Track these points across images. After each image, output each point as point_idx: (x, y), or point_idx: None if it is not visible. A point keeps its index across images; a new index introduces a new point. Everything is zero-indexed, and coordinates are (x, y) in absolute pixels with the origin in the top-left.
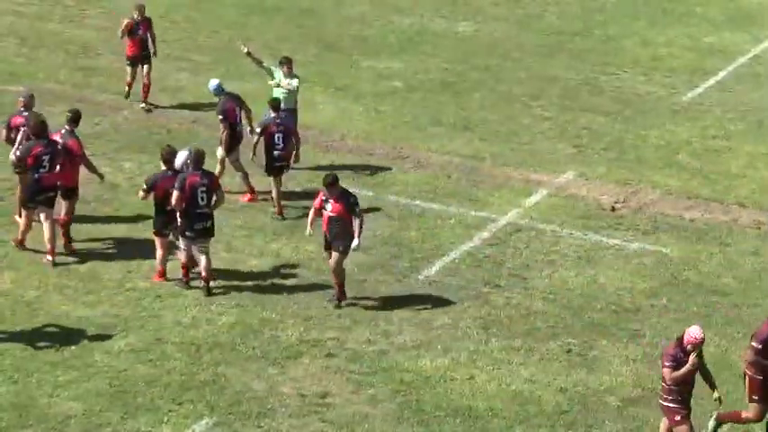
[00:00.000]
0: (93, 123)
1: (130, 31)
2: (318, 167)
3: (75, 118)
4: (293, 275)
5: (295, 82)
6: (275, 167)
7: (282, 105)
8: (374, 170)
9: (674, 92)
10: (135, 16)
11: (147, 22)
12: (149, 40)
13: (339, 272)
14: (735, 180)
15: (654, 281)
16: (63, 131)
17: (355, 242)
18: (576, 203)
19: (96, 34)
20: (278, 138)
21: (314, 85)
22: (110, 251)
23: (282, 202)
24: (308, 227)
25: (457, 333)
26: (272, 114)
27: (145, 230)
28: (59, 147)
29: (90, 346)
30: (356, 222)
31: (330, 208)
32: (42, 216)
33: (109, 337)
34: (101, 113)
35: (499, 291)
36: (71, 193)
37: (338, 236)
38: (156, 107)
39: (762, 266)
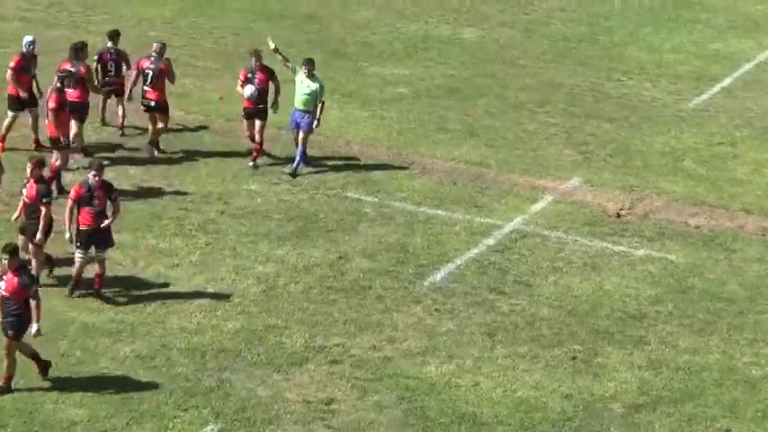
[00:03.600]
0: (98, 131)
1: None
2: (325, 173)
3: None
4: (298, 282)
5: (315, 85)
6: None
7: (302, 107)
8: (380, 176)
9: (679, 98)
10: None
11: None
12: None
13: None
14: (740, 187)
15: (659, 288)
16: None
17: (33, 328)
18: (581, 210)
19: (102, 40)
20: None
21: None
22: (115, 257)
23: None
24: None
25: (462, 339)
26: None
27: (149, 237)
28: None
29: (95, 353)
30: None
31: (3, 286)
32: None
33: (114, 343)
34: (105, 121)
35: (504, 297)
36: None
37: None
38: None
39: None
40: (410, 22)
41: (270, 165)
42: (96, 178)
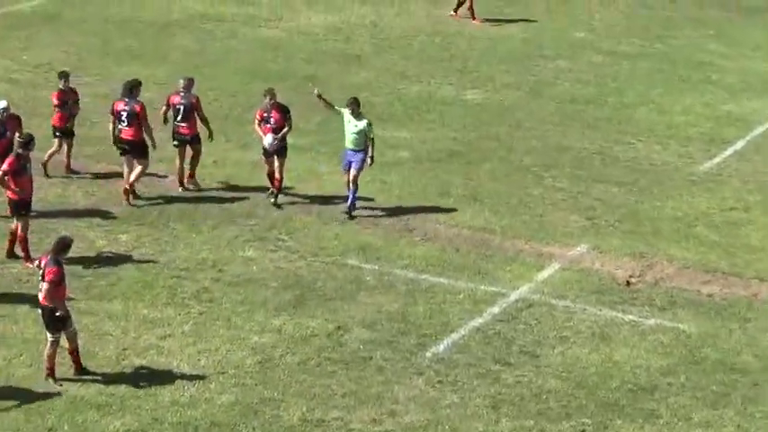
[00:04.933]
0: (89, 194)
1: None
2: (323, 239)
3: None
4: (295, 353)
5: (362, 124)
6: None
7: (353, 146)
8: (380, 243)
9: (690, 161)
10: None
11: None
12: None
13: None
14: (755, 253)
15: (671, 358)
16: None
17: None
18: (589, 278)
19: (91, 101)
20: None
21: (318, 154)
22: (105, 327)
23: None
24: None
25: (466, 413)
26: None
27: (140, 306)
28: None
29: (84, 427)
30: None
31: None
32: None
33: (104, 416)
34: (96, 184)
35: (510, 369)
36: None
37: None
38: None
39: None
40: (411, 84)
41: (266, 230)
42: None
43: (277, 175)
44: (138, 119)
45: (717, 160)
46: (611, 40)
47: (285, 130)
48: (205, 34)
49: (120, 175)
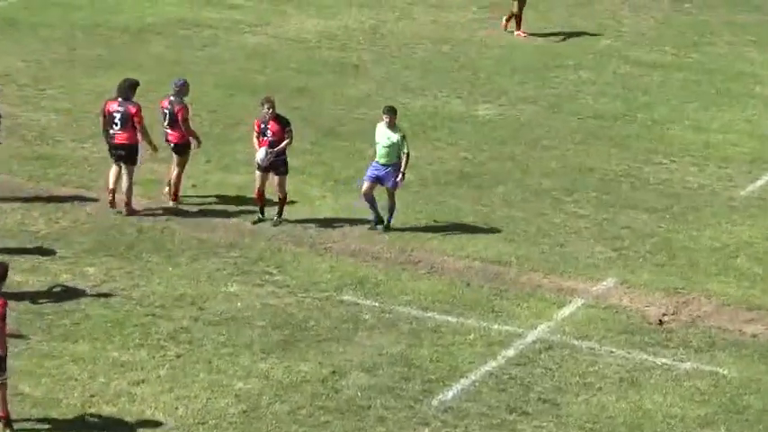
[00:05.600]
0: (52, 221)
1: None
2: (316, 273)
3: None
4: (285, 401)
5: (396, 137)
6: None
7: (383, 160)
8: (380, 276)
9: (730, 185)
10: None
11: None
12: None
13: None
14: None
15: (709, 407)
16: None
17: None
18: (617, 316)
19: (56, 118)
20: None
21: (310, 176)
22: (70, 371)
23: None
24: None
25: None
26: None
27: (109, 348)
28: None
29: None
30: None
31: None
32: None
33: None
34: (61, 210)
35: (527, 419)
36: None
37: None
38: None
39: None
40: (416, 97)
41: (252, 262)
42: None
43: (280, 194)
44: (132, 122)
45: (760, 183)
46: (641, 48)
47: (284, 143)
48: (183, 41)
49: (87, 199)
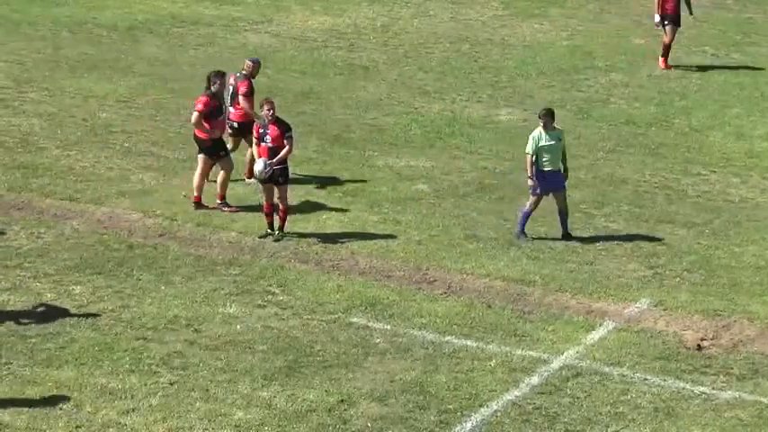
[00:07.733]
0: (34, 235)
1: None
2: (323, 293)
3: None
4: (289, 431)
5: (557, 137)
6: None
7: (551, 167)
8: (393, 297)
9: None
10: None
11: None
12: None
13: None
14: None
15: None
16: None
17: None
18: (651, 340)
19: (38, 123)
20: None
21: (317, 187)
22: (54, 400)
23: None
24: None
25: None
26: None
27: (97, 374)
28: None
29: None
30: None
31: None
32: None
33: None
34: (44, 224)
35: None
36: None
37: None
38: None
39: None
40: (432, 101)
41: (253, 281)
42: None
43: (281, 205)
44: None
45: None
46: (678, 48)
47: (284, 152)
48: (177, 40)
49: (72, 211)
